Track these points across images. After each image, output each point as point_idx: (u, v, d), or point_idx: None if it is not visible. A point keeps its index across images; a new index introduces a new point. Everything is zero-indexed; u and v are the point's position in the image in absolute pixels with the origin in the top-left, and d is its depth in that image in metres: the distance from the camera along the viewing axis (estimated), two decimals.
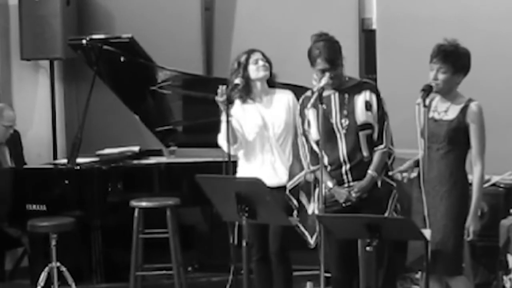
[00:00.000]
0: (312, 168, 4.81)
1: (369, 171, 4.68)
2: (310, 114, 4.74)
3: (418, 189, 4.45)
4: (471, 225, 4.44)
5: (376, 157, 4.71)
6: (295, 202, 4.95)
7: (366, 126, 4.69)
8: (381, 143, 4.71)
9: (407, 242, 4.91)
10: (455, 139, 4.45)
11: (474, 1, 6.42)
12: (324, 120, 4.66)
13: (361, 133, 4.69)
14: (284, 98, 5.19)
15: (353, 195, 4.67)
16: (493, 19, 6.32)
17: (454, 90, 4.52)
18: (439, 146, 4.48)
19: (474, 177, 4.47)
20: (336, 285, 4.87)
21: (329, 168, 4.72)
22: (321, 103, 4.56)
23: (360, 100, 4.70)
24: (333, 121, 4.70)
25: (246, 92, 5.13)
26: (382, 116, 4.72)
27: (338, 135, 4.70)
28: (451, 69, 4.44)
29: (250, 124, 5.15)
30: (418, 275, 5.72)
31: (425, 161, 4.41)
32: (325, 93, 4.71)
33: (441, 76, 4.44)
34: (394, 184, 4.76)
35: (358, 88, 4.74)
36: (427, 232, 4.26)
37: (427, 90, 4.43)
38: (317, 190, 4.79)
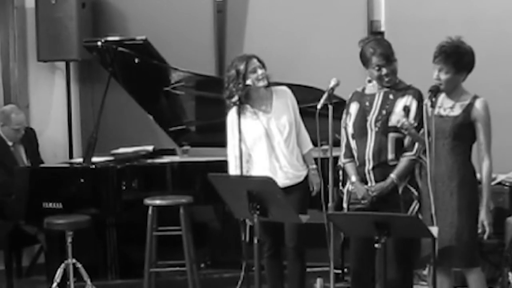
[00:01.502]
0: (343, 160, 4.85)
1: (391, 175, 4.66)
2: (352, 108, 4.78)
3: (426, 186, 4.49)
4: (485, 219, 4.48)
5: (402, 162, 4.68)
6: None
7: (397, 129, 4.66)
8: (411, 150, 4.68)
9: (420, 238, 4.93)
10: (460, 135, 4.50)
11: (480, 3, 6.45)
12: (361, 116, 4.73)
13: (390, 135, 4.68)
14: (282, 99, 5.19)
15: (371, 194, 4.69)
16: (500, 20, 6.36)
17: (459, 87, 4.56)
18: (445, 142, 4.52)
19: (483, 172, 4.51)
20: (355, 278, 4.87)
21: (357, 163, 4.77)
22: (331, 103, 4.63)
23: (400, 103, 4.70)
24: (369, 118, 4.72)
25: (246, 99, 5.14)
26: (419, 124, 4.63)
27: (369, 133, 4.72)
28: (452, 69, 4.49)
29: (253, 136, 5.17)
30: (425, 272, 5.77)
31: (432, 160, 4.43)
32: (371, 91, 4.77)
33: (443, 76, 4.49)
34: (416, 194, 4.70)
35: (403, 91, 4.73)
36: (434, 230, 4.29)
37: (435, 91, 4.48)
38: (347, 185, 4.85)
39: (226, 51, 7.29)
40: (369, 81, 4.83)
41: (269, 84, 5.18)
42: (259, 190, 4.39)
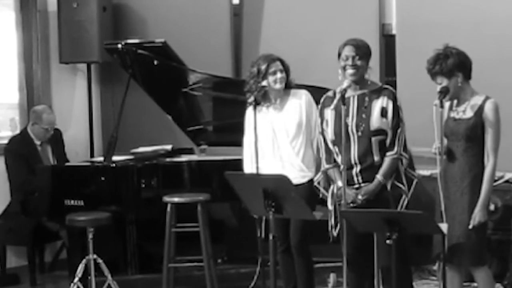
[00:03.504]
0: (326, 166, 4.89)
1: (377, 176, 4.73)
2: (328, 114, 4.80)
3: (436, 184, 4.60)
4: (477, 216, 4.53)
5: (386, 163, 4.74)
6: (324, 192, 4.95)
7: (379, 132, 4.73)
8: (392, 150, 4.74)
9: (432, 235, 5.00)
10: (473, 137, 4.57)
11: (489, 7, 6.40)
12: (341, 121, 4.71)
13: (373, 138, 4.74)
14: (296, 101, 5.24)
15: (360, 197, 4.74)
16: (508, 24, 6.31)
17: (466, 90, 4.62)
18: (458, 144, 4.60)
19: (485, 171, 4.56)
20: (352, 265, 4.86)
21: (341, 167, 4.75)
22: (343, 104, 4.65)
23: (377, 105, 4.75)
24: (349, 123, 4.76)
25: (262, 98, 5.22)
26: (397, 123, 4.73)
27: (352, 138, 4.76)
28: (442, 76, 4.57)
29: (264, 129, 5.21)
30: (435, 267, 5.83)
31: (442, 159, 4.53)
32: (346, 94, 4.76)
33: (440, 87, 4.58)
34: (404, 189, 4.77)
35: (377, 93, 4.78)
36: (443, 226, 4.38)
37: (444, 92, 4.56)
38: (331, 187, 4.88)
39: (243, 53, 7.37)
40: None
41: (289, 87, 5.26)
42: (274, 188, 4.45)
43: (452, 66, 4.59)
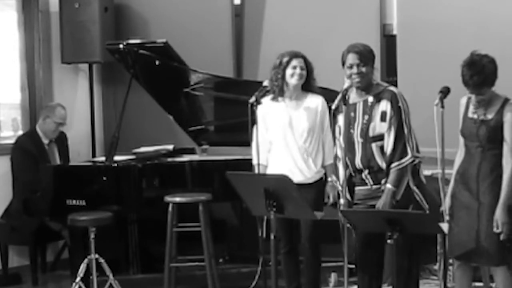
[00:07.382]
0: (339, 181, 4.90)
1: (387, 185, 4.70)
2: (340, 120, 4.81)
3: (437, 184, 4.59)
4: (499, 218, 4.52)
5: (391, 174, 4.70)
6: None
7: (380, 137, 4.73)
8: (397, 159, 4.69)
9: (436, 234, 4.97)
10: (494, 138, 4.57)
11: (491, 7, 6.41)
12: (348, 128, 4.76)
13: (373, 144, 4.74)
14: (313, 104, 5.25)
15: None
16: (510, 24, 6.31)
17: (494, 92, 4.64)
18: (480, 144, 4.60)
19: (505, 173, 4.56)
20: (362, 264, 4.90)
21: (352, 171, 4.83)
22: (345, 104, 4.69)
23: (378, 110, 4.73)
24: (355, 130, 4.78)
25: (279, 90, 5.24)
26: (397, 127, 4.69)
27: (356, 145, 4.79)
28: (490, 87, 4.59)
29: (276, 122, 5.25)
30: (436, 266, 5.82)
31: (443, 160, 4.51)
32: (354, 100, 4.80)
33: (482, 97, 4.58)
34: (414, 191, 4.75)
35: (379, 96, 4.76)
36: (444, 226, 4.41)
37: (445, 92, 4.56)
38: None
39: (244, 54, 7.39)
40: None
41: (309, 88, 5.27)
42: (276, 188, 4.47)
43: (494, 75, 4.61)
